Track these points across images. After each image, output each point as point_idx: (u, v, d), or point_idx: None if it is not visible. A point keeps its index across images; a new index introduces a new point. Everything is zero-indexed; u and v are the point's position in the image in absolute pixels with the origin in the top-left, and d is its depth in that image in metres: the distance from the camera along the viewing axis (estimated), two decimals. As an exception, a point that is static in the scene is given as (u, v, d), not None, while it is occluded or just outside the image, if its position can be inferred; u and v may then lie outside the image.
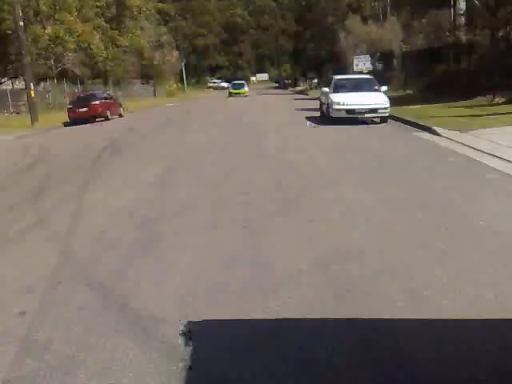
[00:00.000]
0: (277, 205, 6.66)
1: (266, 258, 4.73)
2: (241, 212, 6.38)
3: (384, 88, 17.60)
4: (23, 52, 23.73)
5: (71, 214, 6.76)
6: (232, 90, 50.43)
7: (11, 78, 31.64)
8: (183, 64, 70.28)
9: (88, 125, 23.82)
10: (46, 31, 36.42)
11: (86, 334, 3.49)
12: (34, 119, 23.37)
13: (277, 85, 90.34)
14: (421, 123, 14.06)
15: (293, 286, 4.06)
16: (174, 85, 64.21)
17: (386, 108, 15.82)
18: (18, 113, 27.34)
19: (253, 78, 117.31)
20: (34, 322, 3.69)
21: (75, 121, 24.59)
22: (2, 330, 3.61)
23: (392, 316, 3.49)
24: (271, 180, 8.28)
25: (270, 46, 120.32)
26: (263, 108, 28.67)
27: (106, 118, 26.00)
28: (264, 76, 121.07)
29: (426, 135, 12.52)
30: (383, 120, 16.04)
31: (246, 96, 47.34)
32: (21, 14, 24.07)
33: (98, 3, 55.04)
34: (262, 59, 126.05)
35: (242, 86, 51.61)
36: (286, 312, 3.63)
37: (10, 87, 31.52)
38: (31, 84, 24.04)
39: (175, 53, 67.16)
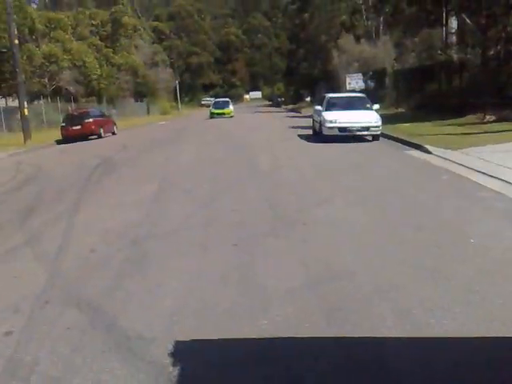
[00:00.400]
0: (268, 224, 6.64)
1: (257, 278, 4.72)
2: (232, 231, 6.36)
3: (376, 106, 17.73)
4: (17, 70, 23.82)
5: (61, 233, 6.71)
6: (214, 110, 42.36)
7: (5, 96, 31.64)
8: (177, 82, 70.63)
9: (81, 143, 23.83)
10: (41, 49, 36.64)
11: (73, 354, 3.45)
12: (26, 137, 23.35)
13: (270, 103, 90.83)
14: (412, 141, 14.16)
15: (283, 305, 4.04)
16: (168, 103, 64.39)
17: (377, 126, 15.93)
18: (10, 130, 27.28)
19: (246, 96, 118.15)
20: (20, 342, 3.65)
21: (68, 139, 24.64)
22: None
23: (381, 334, 3.49)
24: (262, 198, 8.29)
25: (264, 64, 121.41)
26: (255, 125, 28.79)
27: (100, 136, 26.03)
28: (257, 94, 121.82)
29: (417, 153, 12.59)
30: (375, 138, 16.15)
31: (231, 117, 40.84)
32: (16, 33, 24.20)
33: (93, 21, 55.74)
34: (256, 77, 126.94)
35: (225, 104, 43.63)
36: (276, 331, 3.62)
37: (4, 105, 31.50)
38: (25, 102, 24.08)
39: (169, 71, 67.68)
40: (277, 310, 3.97)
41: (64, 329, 3.84)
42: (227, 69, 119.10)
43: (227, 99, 47.13)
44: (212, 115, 41.49)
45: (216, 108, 42.77)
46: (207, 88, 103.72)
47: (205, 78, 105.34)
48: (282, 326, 3.71)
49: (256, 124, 29.88)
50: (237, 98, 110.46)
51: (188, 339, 3.56)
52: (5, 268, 5.46)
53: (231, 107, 42.97)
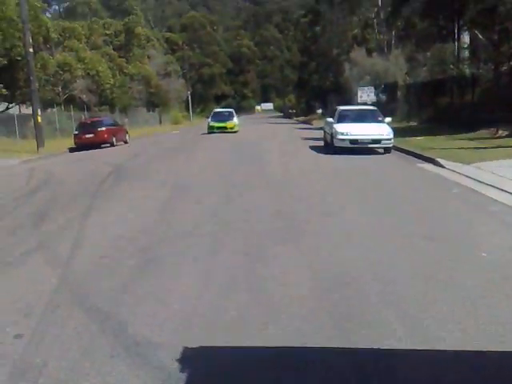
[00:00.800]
0: (278, 232, 6.64)
1: (266, 285, 4.71)
2: (241, 238, 6.37)
3: (388, 119, 17.71)
4: (32, 78, 23.98)
5: (72, 238, 6.74)
6: (213, 123, 32.84)
7: (19, 104, 31.95)
8: (189, 92, 71.09)
9: (93, 151, 23.97)
10: (55, 58, 37.05)
11: (82, 358, 3.45)
12: (39, 144, 23.51)
13: (281, 114, 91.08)
14: (424, 154, 14.12)
15: (292, 314, 4.03)
16: (179, 113, 64.75)
17: (389, 139, 15.91)
18: (24, 138, 27.53)
19: (258, 108, 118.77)
20: (29, 346, 3.66)
21: (81, 147, 24.82)
22: None
23: (391, 346, 3.45)
24: (272, 207, 8.27)
25: (275, 76, 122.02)
26: (266, 136, 28.69)
27: (112, 145, 26.14)
28: (269, 106, 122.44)
29: (429, 167, 12.55)
30: (387, 151, 16.12)
31: (235, 132, 32.35)
32: (31, 41, 24.44)
33: (106, 31, 56.31)
34: (268, 89, 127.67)
35: (228, 116, 33.89)
36: (285, 340, 3.60)
37: (18, 112, 31.81)
38: (38, 110, 24.29)
39: (182, 81, 68.14)
40: (285, 317, 3.95)
41: (74, 332, 3.85)
42: (239, 80, 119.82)
43: (230, 110, 37.11)
44: (211, 130, 32.42)
45: (216, 120, 33.09)
46: (219, 99, 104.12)
47: (217, 89, 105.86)
48: (291, 334, 3.68)
49: (266, 135, 29.87)
50: (248, 110, 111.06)
51: (196, 345, 3.56)
52: (17, 272, 5.49)
53: (235, 120, 33.55)
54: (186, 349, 3.49)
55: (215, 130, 32.09)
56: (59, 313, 4.26)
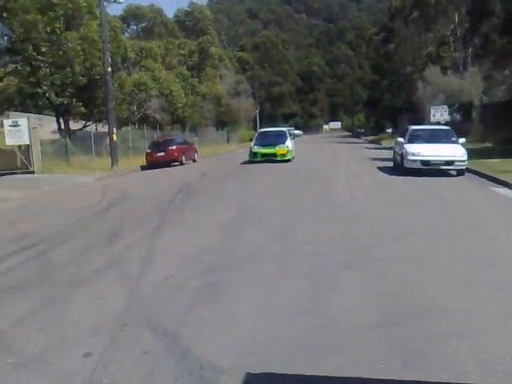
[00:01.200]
0: (343, 255, 6.54)
1: (331, 311, 4.64)
2: (307, 262, 6.30)
3: (462, 140, 17.11)
4: (109, 97, 24.98)
5: (141, 257, 6.90)
6: (258, 149, 23.96)
7: (96, 122, 33.38)
8: (257, 111, 71.88)
9: (164, 169, 24.66)
10: (132, 77, 38.53)
11: (148, 378, 3.53)
12: (114, 162, 24.43)
13: (349, 133, 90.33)
14: (499, 178, 13.53)
15: (357, 343, 3.94)
16: (247, 132, 65.44)
17: (463, 161, 15.35)
18: (99, 155, 28.72)
19: (325, 127, 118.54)
20: (98, 364, 3.76)
21: (152, 165, 25.61)
22: (68, 371, 3.70)
23: (462, 381, 3.30)
24: (337, 230, 8.15)
25: (345, 94, 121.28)
26: (333, 155, 28.26)
27: (181, 163, 26.74)
28: (337, 124, 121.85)
29: (504, 190, 12.01)
30: (460, 173, 15.56)
31: (287, 161, 23.21)
32: (110, 61, 25.47)
33: (181, 51, 58.01)
34: (336, 108, 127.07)
35: (278, 138, 24.43)
36: (350, 370, 3.52)
37: (94, 130, 33.24)
38: (114, 128, 25.26)
39: (251, 100, 69.07)
40: (350, 347, 3.88)
41: (140, 353, 3.93)
42: (308, 98, 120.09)
43: (283, 129, 27.43)
44: (253, 157, 23.77)
45: (261, 145, 24.00)
46: (287, 117, 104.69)
47: (285, 108, 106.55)
48: (356, 364, 3.59)
49: (333, 154, 29.66)
50: (315, 128, 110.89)
51: (258, 372, 3.54)
52: (88, 290, 5.66)
53: (288, 144, 23.94)
54: (248, 375, 3.46)
55: (259, 159, 23.21)
56: (126, 332, 4.37)
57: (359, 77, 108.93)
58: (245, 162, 23.25)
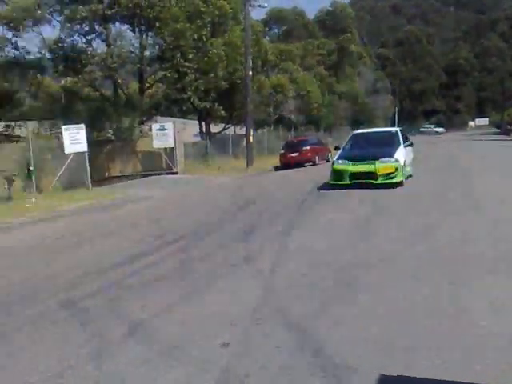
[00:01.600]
0: (489, 261, 6.12)
1: (472, 317, 4.43)
2: (447, 267, 5.96)
3: None
4: (248, 99, 26.13)
5: (275, 253, 7.14)
6: (343, 166, 14.48)
7: (234, 125, 34.82)
8: (396, 109, 70.30)
9: (297, 169, 25.09)
10: (270, 79, 39.86)
11: (281, 373, 3.63)
12: (249, 162, 25.74)
13: (498, 130, 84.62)
14: None
15: (499, 350, 3.77)
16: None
17: None
18: (235, 156, 30.42)
19: (471, 123, 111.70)
20: (234, 355, 3.96)
21: (286, 165, 26.42)
22: (206, 359, 3.94)
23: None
24: (484, 232, 7.69)
25: (494, 89, 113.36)
26: (474, 154, 23.90)
27: (314, 163, 27.16)
28: (484, 121, 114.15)
29: None
30: None
31: (395, 184, 13.72)
32: (251, 65, 26.54)
33: (320, 51, 58.48)
34: (484, 103, 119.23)
35: (381, 148, 14.74)
36: (493, 379, 3.39)
37: (233, 133, 34.99)
38: (251, 130, 26.43)
39: (389, 97, 67.78)
40: (493, 354, 3.69)
41: (274, 347, 4.04)
42: (452, 94, 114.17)
43: (391, 130, 17.35)
44: (336, 179, 14.64)
45: (351, 158, 14.72)
46: (428, 114, 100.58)
47: (427, 104, 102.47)
48: (498, 373, 3.44)
49: (474, 153, 27.38)
50: (460, 126, 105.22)
51: (394, 374, 3.47)
52: (226, 283, 5.99)
53: (399, 155, 14.31)
54: (382, 376, 3.42)
55: (347, 182, 14.36)
56: (262, 325, 4.51)
57: (511, 70, 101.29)
58: (322, 187, 15.35)
